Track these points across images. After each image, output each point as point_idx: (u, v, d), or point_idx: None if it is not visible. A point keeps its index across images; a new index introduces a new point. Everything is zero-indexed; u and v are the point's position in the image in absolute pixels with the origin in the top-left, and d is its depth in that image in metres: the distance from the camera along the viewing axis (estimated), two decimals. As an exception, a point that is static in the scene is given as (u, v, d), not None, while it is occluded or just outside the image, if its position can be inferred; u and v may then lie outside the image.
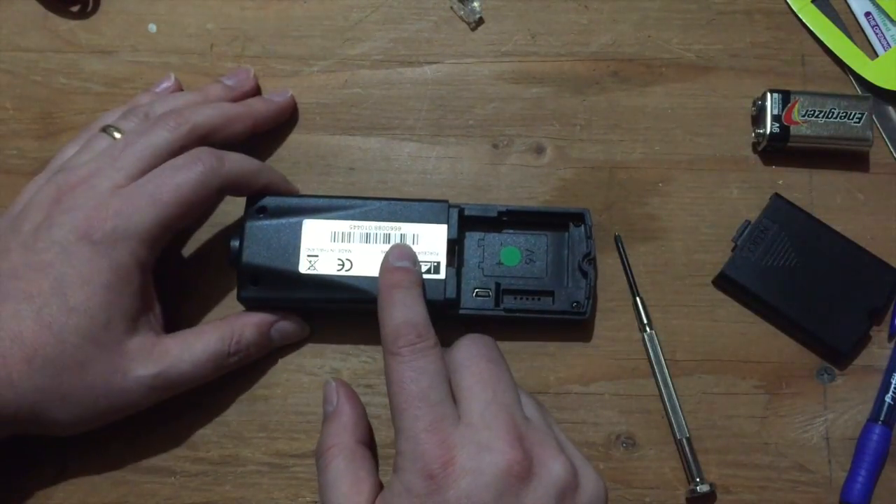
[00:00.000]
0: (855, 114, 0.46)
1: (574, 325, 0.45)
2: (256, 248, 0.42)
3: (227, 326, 0.42)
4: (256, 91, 0.48)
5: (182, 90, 0.48)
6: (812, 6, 0.50)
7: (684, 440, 0.43)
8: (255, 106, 0.46)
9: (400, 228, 0.43)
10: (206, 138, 0.43)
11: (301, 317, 0.45)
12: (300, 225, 0.43)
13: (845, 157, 0.48)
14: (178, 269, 0.46)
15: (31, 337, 0.37)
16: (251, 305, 0.44)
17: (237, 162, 0.42)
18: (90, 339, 0.38)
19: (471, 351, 0.38)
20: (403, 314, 0.38)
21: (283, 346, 0.45)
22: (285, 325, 0.44)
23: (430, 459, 0.34)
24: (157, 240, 0.40)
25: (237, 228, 0.43)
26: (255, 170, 0.43)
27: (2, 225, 0.41)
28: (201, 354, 0.41)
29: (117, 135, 0.43)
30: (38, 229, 0.39)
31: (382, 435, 0.43)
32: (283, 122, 0.48)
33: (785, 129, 0.46)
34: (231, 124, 0.44)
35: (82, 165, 0.41)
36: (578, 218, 0.45)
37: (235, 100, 0.47)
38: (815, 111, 0.47)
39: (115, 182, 0.40)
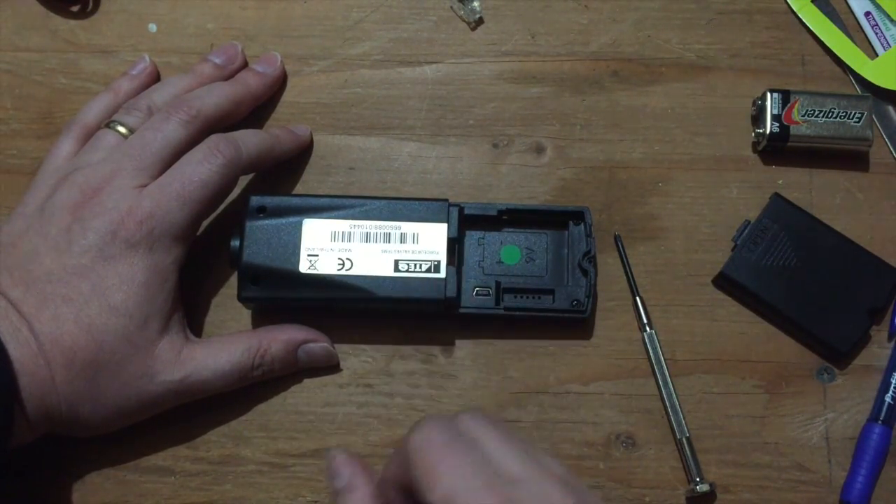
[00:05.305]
0: (855, 113, 0.46)
1: (574, 323, 0.45)
2: (256, 247, 0.42)
3: (255, 338, 0.42)
4: (245, 65, 0.48)
5: (157, 70, 0.48)
6: (812, 6, 0.50)
7: (684, 440, 0.43)
8: (253, 85, 0.47)
9: (400, 227, 0.43)
10: (216, 126, 0.44)
11: (331, 344, 0.44)
12: (300, 224, 0.43)
13: (845, 156, 0.48)
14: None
15: (71, 339, 0.38)
16: (251, 305, 0.44)
17: (253, 145, 0.43)
18: (127, 339, 0.38)
19: (415, 444, 0.30)
20: None
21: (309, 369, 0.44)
22: (314, 348, 0.43)
23: None
24: (189, 236, 0.41)
25: (237, 228, 0.43)
26: (269, 147, 0.44)
27: (17, 227, 0.40)
28: (225, 364, 0.41)
29: (122, 129, 0.43)
30: (70, 233, 0.39)
31: (383, 434, 0.43)
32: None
33: (785, 129, 0.46)
34: (237, 109, 0.45)
35: (99, 165, 0.41)
36: (578, 216, 0.45)
37: (227, 77, 0.47)
38: (815, 111, 0.47)
39: (139, 181, 0.40)
